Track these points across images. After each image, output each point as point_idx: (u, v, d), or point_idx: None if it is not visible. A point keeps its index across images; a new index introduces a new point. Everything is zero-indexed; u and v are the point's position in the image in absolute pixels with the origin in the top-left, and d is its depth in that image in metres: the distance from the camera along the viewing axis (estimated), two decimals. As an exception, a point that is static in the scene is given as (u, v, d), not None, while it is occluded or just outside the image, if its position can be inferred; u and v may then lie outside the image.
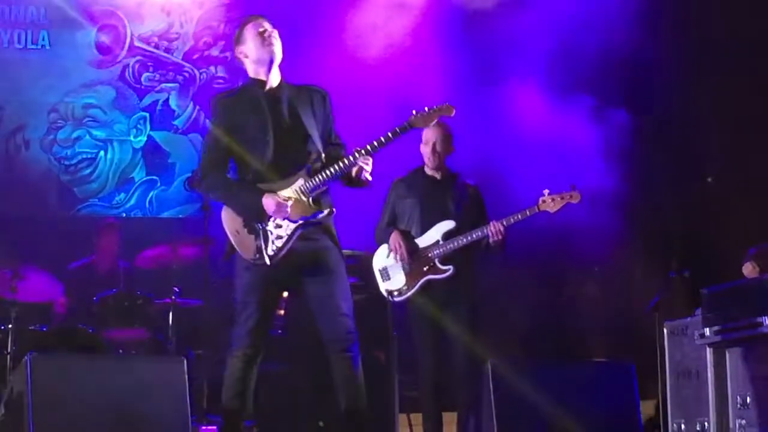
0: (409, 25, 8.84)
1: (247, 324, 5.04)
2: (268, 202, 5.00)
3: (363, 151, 5.03)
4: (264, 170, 5.07)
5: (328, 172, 5.04)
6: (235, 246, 5.09)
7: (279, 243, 5.00)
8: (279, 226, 5.01)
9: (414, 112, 5.12)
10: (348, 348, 5.02)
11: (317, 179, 5.04)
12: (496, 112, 8.70)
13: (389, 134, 5.03)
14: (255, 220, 5.03)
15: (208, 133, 5.29)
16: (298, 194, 5.04)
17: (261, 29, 5.19)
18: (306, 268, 5.07)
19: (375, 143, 5.03)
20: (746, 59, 8.36)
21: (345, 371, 5.02)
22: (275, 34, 5.20)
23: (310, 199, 5.05)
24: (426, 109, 5.14)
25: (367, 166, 5.08)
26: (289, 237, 5.01)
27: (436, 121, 6.53)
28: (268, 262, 4.99)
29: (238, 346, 5.06)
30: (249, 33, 5.21)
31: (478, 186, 6.56)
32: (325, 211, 5.08)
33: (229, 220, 5.13)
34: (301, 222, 5.02)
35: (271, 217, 5.01)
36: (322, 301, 5.05)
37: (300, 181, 5.04)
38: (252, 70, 5.24)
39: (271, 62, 5.18)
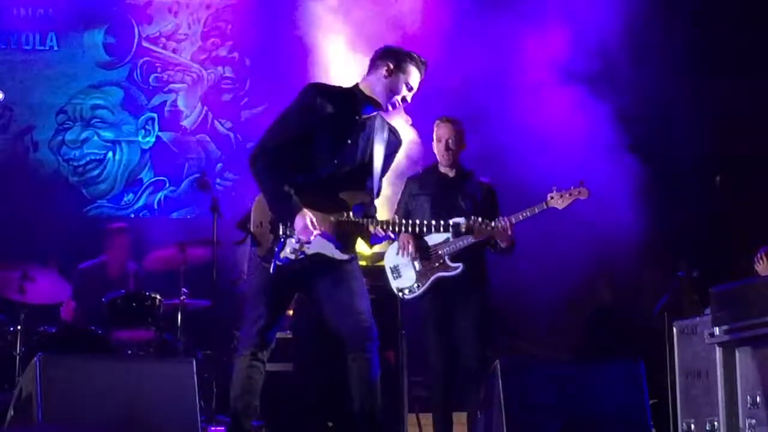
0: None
1: (256, 324, 4.98)
2: (300, 220, 4.83)
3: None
4: (315, 183, 4.92)
5: (371, 224, 4.92)
6: (254, 235, 4.98)
7: (291, 256, 4.90)
8: (306, 243, 4.89)
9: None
10: (368, 348, 4.93)
11: (360, 224, 4.91)
12: (510, 106, 8.68)
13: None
14: (283, 224, 4.90)
15: (290, 112, 4.96)
16: (335, 227, 4.92)
17: (407, 91, 4.98)
18: (321, 269, 4.99)
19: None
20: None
21: (363, 371, 4.93)
22: (410, 97, 5.02)
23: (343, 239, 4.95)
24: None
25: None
26: (302, 260, 4.92)
27: (447, 118, 6.55)
28: (271, 270, 4.90)
29: (247, 346, 5.02)
30: (403, 77, 4.96)
31: (492, 184, 6.54)
32: (349, 257, 5.00)
33: (260, 209, 4.98)
34: (321, 253, 4.93)
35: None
36: (340, 301, 4.96)
37: (344, 215, 4.92)
38: (369, 89, 5.00)
39: (390, 109, 5.03)
